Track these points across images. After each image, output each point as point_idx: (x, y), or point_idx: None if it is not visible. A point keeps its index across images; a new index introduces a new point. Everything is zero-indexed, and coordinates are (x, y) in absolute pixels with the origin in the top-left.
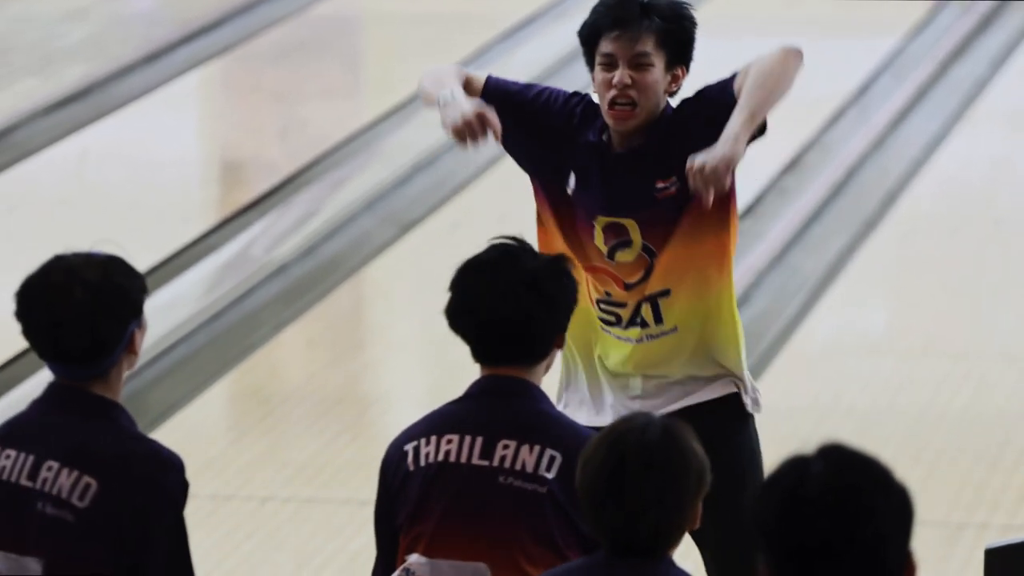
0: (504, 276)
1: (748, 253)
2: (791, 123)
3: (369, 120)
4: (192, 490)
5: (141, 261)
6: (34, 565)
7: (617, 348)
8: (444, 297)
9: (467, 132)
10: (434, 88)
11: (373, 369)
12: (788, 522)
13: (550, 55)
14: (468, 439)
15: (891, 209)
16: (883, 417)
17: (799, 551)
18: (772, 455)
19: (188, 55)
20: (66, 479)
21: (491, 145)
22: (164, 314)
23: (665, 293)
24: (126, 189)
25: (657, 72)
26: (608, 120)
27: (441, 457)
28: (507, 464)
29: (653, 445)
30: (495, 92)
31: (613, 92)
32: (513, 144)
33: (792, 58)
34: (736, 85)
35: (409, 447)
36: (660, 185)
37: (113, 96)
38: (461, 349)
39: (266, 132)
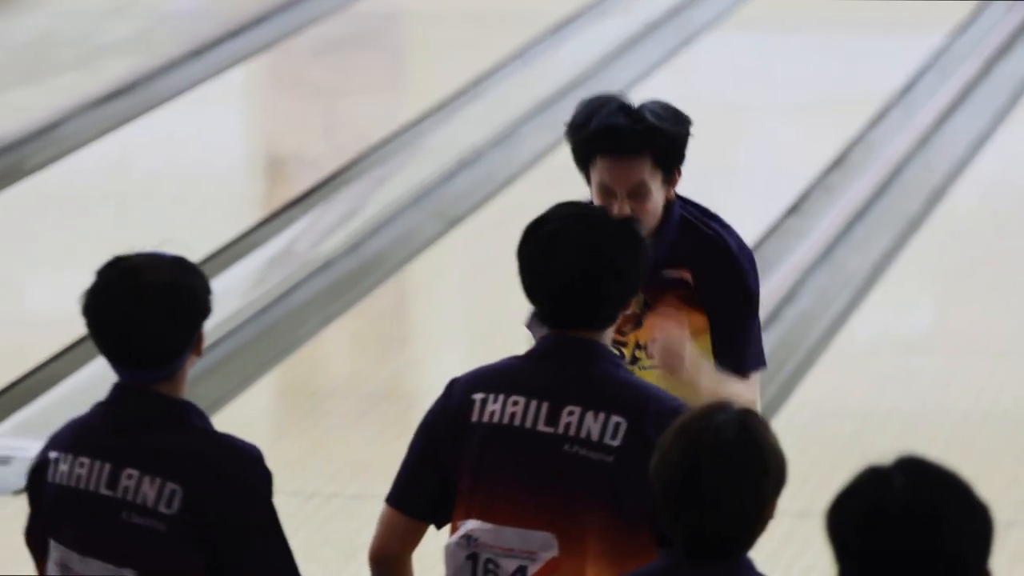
0: (573, 240)
1: (793, 251)
2: (836, 121)
3: (413, 116)
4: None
5: (186, 256)
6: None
7: None
8: (488, 293)
9: None
10: None
11: (418, 365)
12: (868, 535)
13: (591, 54)
14: (534, 403)
15: (936, 207)
16: (928, 416)
17: (878, 564)
18: (817, 454)
19: (232, 51)
20: (150, 487)
21: (536, 140)
22: None
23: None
24: (171, 184)
25: (656, 195)
26: None
27: (507, 420)
28: (572, 432)
29: (730, 446)
30: None
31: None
32: None
33: None
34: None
35: (477, 397)
36: (668, 273)
37: (158, 91)
38: (506, 344)
39: (310, 128)
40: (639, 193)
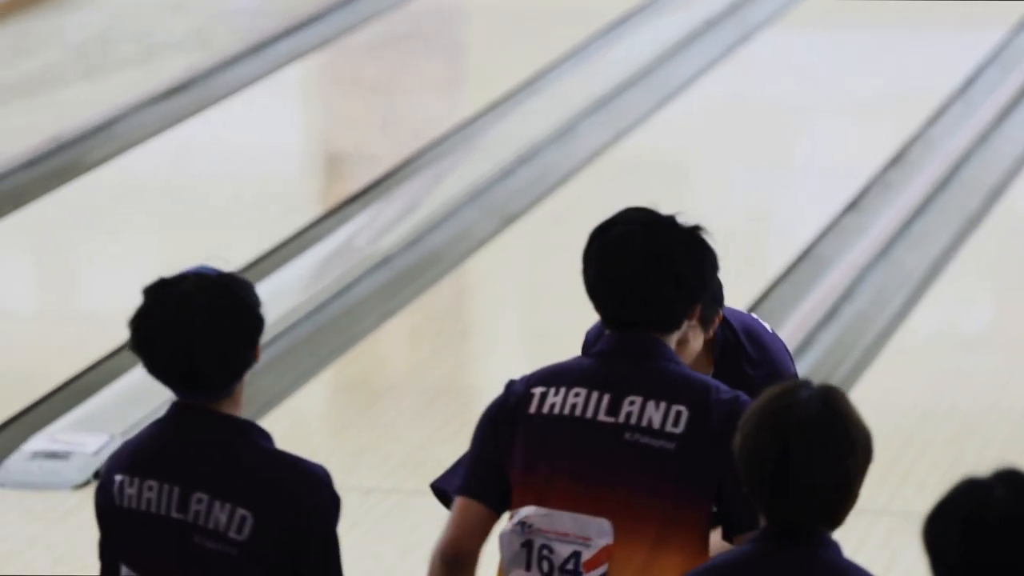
0: (637, 245)
1: (851, 249)
2: (895, 118)
3: (471, 113)
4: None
5: (244, 253)
6: None
7: None
8: (545, 289)
9: None
10: None
11: (476, 361)
12: (969, 547)
13: (648, 51)
14: (596, 394)
15: (995, 205)
16: (985, 415)
17: (977, 575)
18: (875, 453)
19: (290, 47)
20: (220, 512)
21: (594, 137)
22: (267, 305)
23: None
24: (229, 181)
25: (694, 342)
26: None
27: (567, 410)
28: (633, 420)
29: (817, 423)
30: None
31: None
32: None
33: None
34: None
35: (537, 391)
36: None
37: (216, 88)
38: (563, 340)
39: (368, 125)
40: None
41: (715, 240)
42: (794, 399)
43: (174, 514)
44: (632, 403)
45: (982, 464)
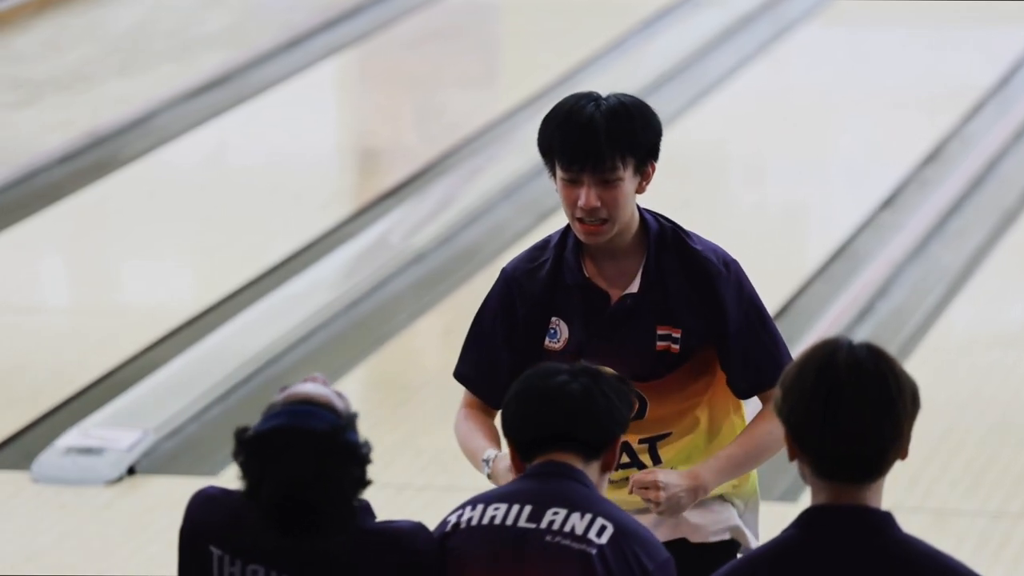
0: (550, 392)
1: (887, 245)
2: (931, 114)
3: (506, 108)
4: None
5: (279, 248)
6: None
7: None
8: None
9: None
10: (470, 455)
11: None
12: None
13: (684, 46)
14: (516, 507)
15: None
16: (1022, 411)
17: None
18: (911, 449)
19: (326, 42)
20: None
21: None
22: (301, 301)
23: (662, 436)
24: (264, 176)
25: (627, 184)
26: (578, 234)
27: (486, 520)
28: (555, 526)
29: (865, 364)
30: (486, 387)
31: (580, 212)
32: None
33: None
34: (756, 392)
35: (453, 516)
36: (661, 332)
37: (251, 83)
38: None
39: (403, 120)
40: (608, 181)
41: (750, 238)
42: (838, 346)
43: None
44: (556, 513)
45: (1018, 461)
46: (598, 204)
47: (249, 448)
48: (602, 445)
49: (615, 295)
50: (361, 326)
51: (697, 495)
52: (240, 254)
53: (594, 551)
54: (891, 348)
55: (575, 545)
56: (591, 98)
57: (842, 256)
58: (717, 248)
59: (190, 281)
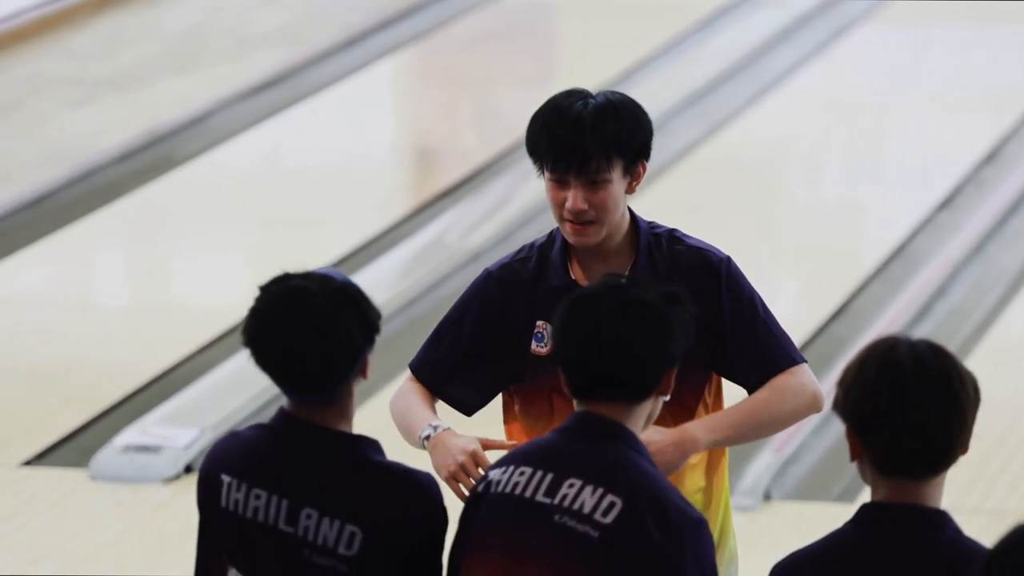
0: (606, 307)
1: (945, 246)
2: (990, 114)
3: None
4: None
5: (335, 248)
6: None
7: None
8: None
9: (461, 476)
10: (408, 424)
11: None
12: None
13: (742, 46)
14: (539, 474)
15: None
16: None
17: None
18: (969, 451)
19: (383, 42)
20: (329, 528)
21: (686, 132)
22: None
23: None
24: (320, 175)
25: (615, 186)
26: (566, 235)
27: (509, 488)
28: (566, 503)
29: (928, 358)
30: (436, 376)
31: (568, 213)
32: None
33: (809, 410)
34: (747, 365)
35: (492, 473)
36: None
37: (308, 82)
38: None
39: (460, 119)
40: (596, 182)
41: (808, 239)
42: (898, 342)
43: (283, 526)
44: (571, 486)
45: None
46: (585, 206)
47: (251, 326)
48: (652, 385)
49: None
50: (417, 325)
51: (685, 450)
52: (296, 253)
53: (596, 534)
54: (949, 349)
55: (579, 527)
56: (580, 96)
57: (900, 257)
58: (711, 247)
59: (247, 280)
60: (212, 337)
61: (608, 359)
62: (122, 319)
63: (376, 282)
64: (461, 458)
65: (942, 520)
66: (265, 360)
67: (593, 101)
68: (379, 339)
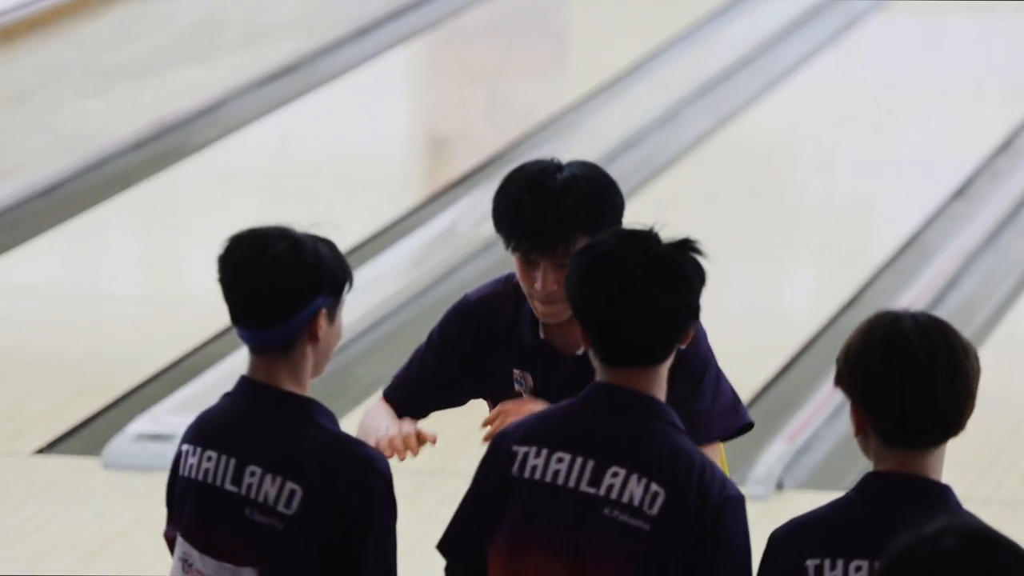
0: (630, 261)
1: (958, 236)
2: (1003, 104)
3: (575, 98)
4: (397, 465)
5: (348, 236)
6: (249, 575)
7: None
8: None
9: (398, 446)
10: (370, 431)
11: None
12: None
13: (755, 36)
14: (579, 461)
15: None
16: None
17: None
18: (981, 440)
19: (395, 31)
20: (271, 485)
21: (699, 122)
22: (371, 289)
23: None
24: (333, 164)
25: None
26: (536, 313)
27: (549, 477)
28: (614, 495)
29: (930, 328)
30: (405, 398)
31: (537, 294)
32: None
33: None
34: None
35: (520, 451)
36: None
37: (321, 71)
38: None
39: (473, 109)
40: (566, 265)
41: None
42: (900, 315)
43: (228, 486)
44: (615, 475)
45: None
46: (555, 287)
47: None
48: (677, 343)
49: (569, 354)
50: (430, 314)
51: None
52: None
53: (648, 527)
54: None
55: (632, 521)
56: (548, 171)
57: (912, 247)
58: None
59: None
60: (224, 326)
61: (635, 325)
62: (134, 308)
63: (388, 271)
64: (398, 435)
65: (944, 493)
66: (225, 297)
67: (561, 178)
68: (391, 328)
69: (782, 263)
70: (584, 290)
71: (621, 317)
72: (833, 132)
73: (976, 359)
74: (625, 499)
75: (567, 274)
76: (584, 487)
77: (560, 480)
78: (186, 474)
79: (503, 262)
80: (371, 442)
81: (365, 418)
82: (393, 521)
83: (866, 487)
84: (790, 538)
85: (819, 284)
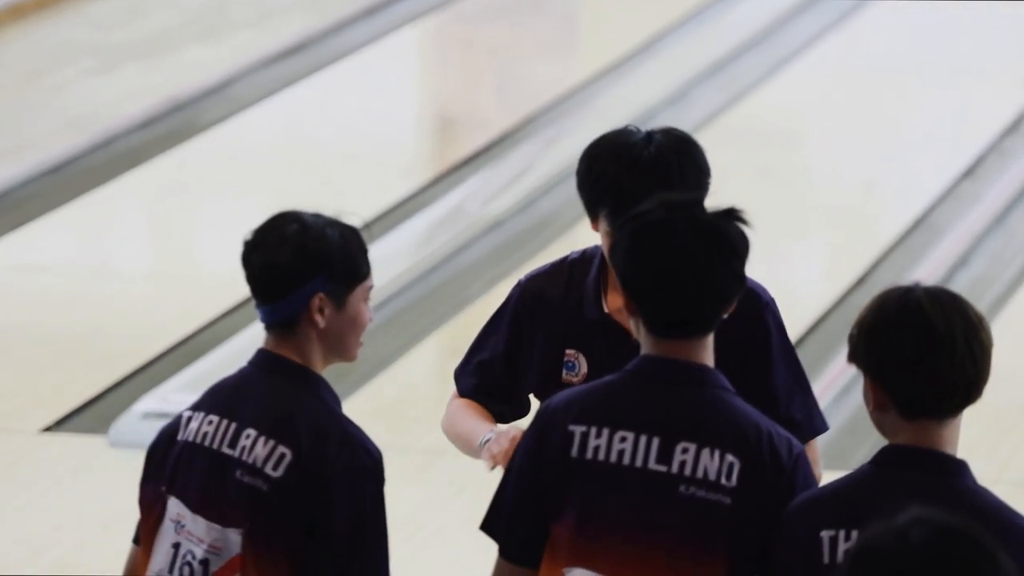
0: (681, 230)
1: (967, 216)
2: (1012, 85)
3: (584, 76)
4: (405, 444)
5: (356, 215)
6: (235, 537)
7: None
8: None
9: (500, 462)
10: (464, 437)
11: None
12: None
13: (765, 15)
14: (644, 439)
15: None
16: None
17: None
18: (989, 419)
19: (405, 10)
20: (262, 448)
21: (709, 100)
22: (379, 268)
23: None
24: (341, 143)
25: None
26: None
27: (614, 458)
28: (688, 471)
29: (943, 298)
30: (484, 388)
31: None
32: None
33: None
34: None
35: (577, 431)
36: None
37: (330, 50)
38: None
39: (481, 88)
40: None
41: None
42: (911, 288)
43: (225, 449)
44: (686, 451)
45: None
46: None
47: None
48: (726, 311)
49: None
50: (438, 293)
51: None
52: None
53: (728, 500)
54: None
55: (711, 496)
56: (639, 134)
57: (921, 226)
58: (760, 284)
59: None
60: (232, 304)
61: (686, 294)
62: (142, 286)
63: (397, 250)
64: (507, 446)
65: (960, 468)
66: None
67: (659, 138)
68: (400, 305)
69: (791, 242)
70: (634, 259)
71: (673, 286)
72: (843, 112)
73: (988, 330)
74: (700, 474)
75: (611, 244)
76: (653, 465)
77: (626, 460)
78: (185, 438)
79: (512, 242)
80: (480, 455)
81: (450, 418)
82: (380, 503)
83: (882, 459)
84: (806, 511)
85: (828, 264)
